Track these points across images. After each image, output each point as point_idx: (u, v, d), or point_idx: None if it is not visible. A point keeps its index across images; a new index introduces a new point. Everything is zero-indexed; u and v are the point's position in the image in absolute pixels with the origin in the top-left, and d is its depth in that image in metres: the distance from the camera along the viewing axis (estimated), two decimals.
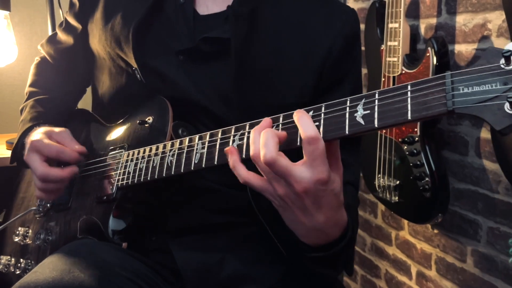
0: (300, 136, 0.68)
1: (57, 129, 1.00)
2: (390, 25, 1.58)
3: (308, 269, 0.95)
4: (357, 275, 2.24)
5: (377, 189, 1.72)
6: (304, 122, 0.67)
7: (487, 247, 1.53)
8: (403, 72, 1.56)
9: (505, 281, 1.47)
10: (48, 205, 1.07)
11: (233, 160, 0.73)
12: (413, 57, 1.57)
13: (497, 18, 1.42)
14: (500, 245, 1.48)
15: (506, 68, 0.56)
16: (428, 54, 1.47)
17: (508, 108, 0.55)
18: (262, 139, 0.68)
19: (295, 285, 0.96)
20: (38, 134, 0.99)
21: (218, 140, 0.79)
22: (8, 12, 1.66)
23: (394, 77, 1.59)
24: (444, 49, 1.48)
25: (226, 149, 0.75)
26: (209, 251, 0.95)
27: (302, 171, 0.67)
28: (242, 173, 0.72)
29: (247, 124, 0.76)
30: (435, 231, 1.72)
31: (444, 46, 1.48)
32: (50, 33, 1.73)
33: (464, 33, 1.53)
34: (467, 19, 1.51)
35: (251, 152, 0.70)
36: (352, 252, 0.88)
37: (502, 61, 0.56)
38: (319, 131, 0.68)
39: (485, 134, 1.49)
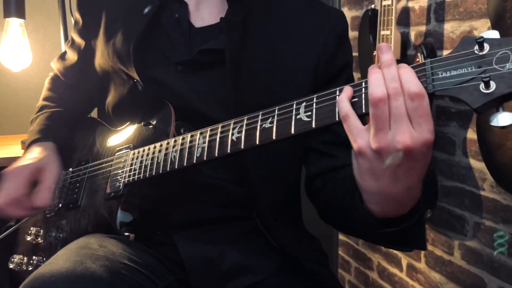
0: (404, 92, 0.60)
1: (51, 165, 1.02)
2: (382, 32, 1.58)
3: (302, 261, 0.95)
4: (350, 267, 2.24)
5: None
6: (408, 77, 0.60)
7: (473, 241, 1.53)
8: None
9: (490, 273, 1.48)
10: (60, 205, 1.07)
11: (345, 95, 0.64)
12: (403, 63, 1.57)
13: (482, 26, 1.42)
14: (486, 239, 1.48)
15: (480, 53, 0.58)
16: (417, 60, 1.48)
17: (482, 88, 0.57)
18: (389, 74, 0.60)
19: (291, 276, 0.96)
20: (30, 158, 1.01)
21: (218, 134, 0.80)
22: (23, 20, 1.67)
23: None
24: (433, 55, 1.48)
25: (346, 87, 0.66)
26: (211, 244, 0.95)
27: (411, 125, 0.59)
28: (346, 106, 0.63)
29: (245, 117, 0.77)
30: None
31: (433, 52, 1.49)
32: (62, 39, 1.74)
33: (451, 40, 1.53)
34: (454, 26, 1.52)
35: (379, 93, 0.59)
36: (423, 227, 0.78)
37: (476, 47, 0.59)
38: (311, 120, 0.68)
39: (471, 134, 1.50)
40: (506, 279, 1.42)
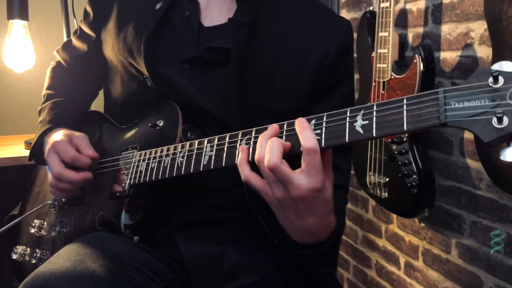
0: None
1: (76, 134, 1.00)
2: (380, 34, 1.58)
3: (299, 262, 0.95)
4: (349, 265, 2.24)
5: (368, 185, 1.72)
6: (305, 134, 0.68)
7: (470, 239, 1.53)
8: (392, 77, 1.56)
9: (487, 271, 1.48)
10: (63, 199, 1.07)
11: (241, 158, 0.74)
12: (401, 64, 1.57)
13: (479, 28, 1.42)
14: (482, 238, 1.48)
15: (494, 86, 0.57)
16: (415, 61, 1.47)
17: (495, 123, 0.56)
18: (268, 146, 0.70)
19: (290, 275, 0.96)
20: (59, 135, 0.99)
21: (226, 143, 0.79)
22: (26, 21, 1.67)
23: (384, 82, 1.59)
24: (430, 56, 1.48)
25: (240, 146, 0.75)
26: (212, 244, 0.95)
27: (299, 179, 0.68)
28: (246, 171, 0.73)
29: (253, 130, 0.77)
30: (422, 224, 1.73)
31: (430, 53, 1.48)
32: (65, 40, 1.74)
33: (448, 41, 1.53)
34: (451, 28, 1.52)
35: (256, 156, 0.71)
36: (336, 253, 0.90)
37: (491, 79, 0.57)
38: (321, 138, 0.69)
39: (468, 134, 1.50)
40: (503, 277, 1.42)
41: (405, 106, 0.63)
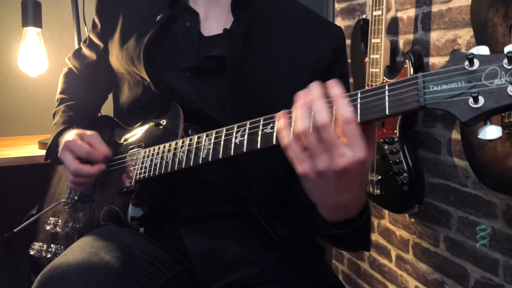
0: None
1: (88, 132, 1.01)
2: (373, 40, 1.58)
3: (299, 254, 0.96)
4: (343, 258, 2.24)
5: None
6: (341, 105, 0.62)
7: (457, 234, 1.54)
8: (384, 81, 1.56)
9: (473, 264, 1.48)
10: (76, 197, 1.08)
11: (285, 123, 0.66)
12: (393, 68, 1.58)
13: (466, 34, 1.42)
14: (469, 232, 1.49)
15: (470, 68, 0.57)
16: (406, 66, 1.48)
17: (471, 103, 0.56)
18: (315, 108, 0.62)
19: (289, 267, 0.96)
20: (71, 135, 1.00)
21: (223, 136, 0.80)
22: (40, 29, 1.67)
23: (376, 86, 1.59)
24: (420, 61, 1.49)
25: (279, 113, 0.69)
26: (214, 237, 0.95)
27: (344, 149, 0.61)
28: (286, 137, 0.65)
29: (248, 122, 0.77)
30: (412, 219, 1.73)
31: (420, 59, 1.49)
32: (76, 46, 1.74)
33: (437, 48, 1.53)
34: (440, 35, 1.52)
35: (300, 128, 0.62)
36: (369, 230, 0.81)
37: (466, 63, 0.57)
38: None
39: (455, 135, 1.50)
40: (488, 269, 1.43)
41: (387, 92, 0.62)
